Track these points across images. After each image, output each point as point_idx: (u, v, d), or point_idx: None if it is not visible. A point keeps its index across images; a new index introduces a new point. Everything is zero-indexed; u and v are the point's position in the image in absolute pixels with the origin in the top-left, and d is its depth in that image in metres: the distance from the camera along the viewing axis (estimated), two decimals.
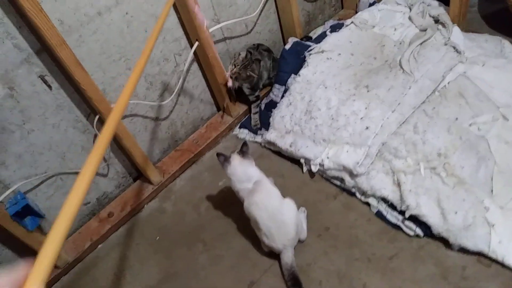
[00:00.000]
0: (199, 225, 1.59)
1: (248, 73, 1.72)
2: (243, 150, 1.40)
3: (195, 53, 1.70)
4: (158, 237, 1.60)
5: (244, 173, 1.36)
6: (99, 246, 1.63)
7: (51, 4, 1.25)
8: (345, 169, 1.48)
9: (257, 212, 1.31)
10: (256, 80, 1.80)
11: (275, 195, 1.36)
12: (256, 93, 1.86)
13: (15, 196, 1.36)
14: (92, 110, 1.49)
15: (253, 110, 1.88)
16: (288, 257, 1.34)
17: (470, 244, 1.24)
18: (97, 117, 1.47)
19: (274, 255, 1.39)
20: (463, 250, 1.27)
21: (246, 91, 1.83)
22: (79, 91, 1.41)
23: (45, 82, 1.36)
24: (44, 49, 1.30)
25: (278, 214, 1.31)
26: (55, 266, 1.53)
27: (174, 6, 1.57)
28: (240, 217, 1.57)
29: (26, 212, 1.36)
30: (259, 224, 1.32)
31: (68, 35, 1.31)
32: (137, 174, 1.79)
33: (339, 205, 1.52)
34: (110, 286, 1.50)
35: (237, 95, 1.91)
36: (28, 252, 1.50)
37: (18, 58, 1.27)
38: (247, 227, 1.53)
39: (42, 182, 1.50)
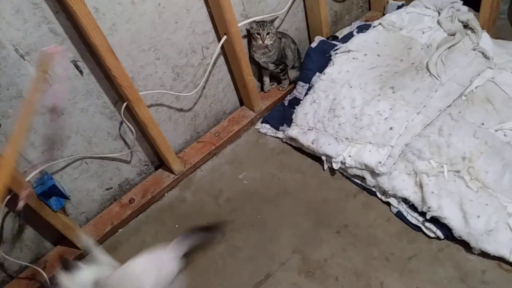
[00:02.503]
0: (217, 216, 1.61)
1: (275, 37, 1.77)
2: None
3: (222, 47, 1.72)
4: (177, 225, 1.62)
5: None
6: (119, 230, 1.66)
7: None
8: (367, 168, 1.48)
9: None
10: (279, 55, 1.83)
11: None
12: (280, 67, 1.90)
13: (42, 177, 1.40)
14: (120, 97, 1.52)
15: (283, 81, 1.99)
16: None
17: (491, 249, 1.23)
18: (124, 104, 1.50)
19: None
20: (484, 255, 1.26)
21: (271, 66, 1.87)
22: (109, 77, 1.45)
23: (77, 67, 1.39)
24: (78, 35, 1.33)
25: None
26: (76, 247, 1.57)
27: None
28: (259, 210, 1.59)
29: (52, 192, 1.39)
30: None
31: (102, 23, 1.34)
32: (159, 163, 1.82)
33: (359, 203, 1.52)
34: None
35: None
36: (50, 232, 1.55)
37: (53, 42, 1.30)
38: (266, 220, 1.55)
39: (68, 165, 1.53)
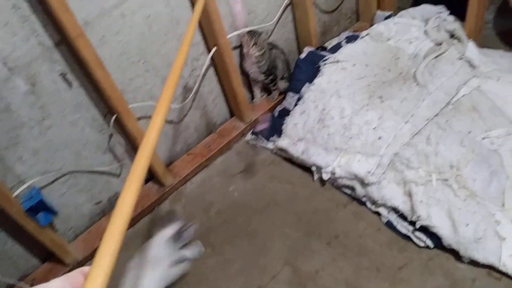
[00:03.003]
0: (208, 228, 1.60)
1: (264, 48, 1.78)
2: None
3: (212, 58, 1.73)
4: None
5: None
6: None
7: (77, 4, 1.29)
8: (357, 177, 1.49)
9: None
10: (269, 66, 1.84)
11: None
12: (270, 77, 1.91)
13: (30, 191, 1.39)
14: (109, 110, 1.52)
15: (273, 92, 2.00)
16: None
17: (480, 257, 1.23)
18: (114, 116, 1.50)
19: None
20: (474, 263, 1.26)
21: (261, 77, 1.87)
22: (99, 90, 1.44)
23: (66, 80, 1.39)
24: (67, 47, 1.33)
25: None
26: (64, 264, 1.55)
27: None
28: (250, 222, 1.58)
29: (39, 207, 1.37)
30: None
31: (91, 35, 1.34)
32: (149, 176, 1.81)
33: (349, 213, 1.52)
34: (117, 286, 1.51)
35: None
36: (38, 248, 1.53)
37: (42, 55, 1.30)
38: (257, 232, 1.54)
39: (56, 179, 1.52)
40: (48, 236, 1.43)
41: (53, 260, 1.57)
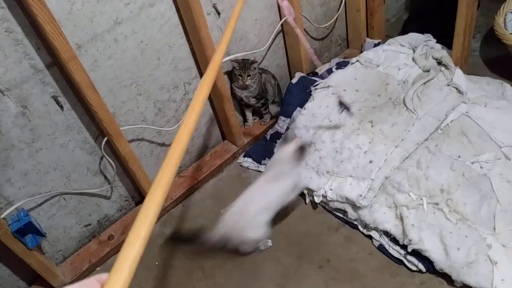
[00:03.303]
0: (199, 252, 1.58)
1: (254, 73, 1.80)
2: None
3: None
4: (157, 262, 1.59)
5: None
6: (97, 269, 1.61)
7: (70, 29, 1.31)
8: (348, 201, 1.49)
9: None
10: (259, 90, 1.86)
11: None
12: (261, 101, 1.93)
13: (18, 213, 1.37)
14: (100, 132, 1.52)
15: (265, 116, 2.02)
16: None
17: (472, 281, 1.23)
18: (105, 139, 1.50)
19: None
20: (466, 287, 1.26)
21: (252, 101, 1.89)
22: (90, 113, 1.45)
23: (58, 102, 1.39)
24: (60, 70, 1.34)
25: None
26: (51, 287, 1.51)
27: (187, 37, 1.63)
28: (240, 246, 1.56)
29: (27, 229, 1.35)
30: None
31: (84, 59, 1.36)
32: (140, 198, 1.80)
33: (341, 237, 1.51)
34: None
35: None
36: (26, 271, 1.49)
37: (33, 78, 1.31)
38: (248, 256, 1.52)
39: (45, 201, 1.50)
40: (35, 259, 1.40)
41: (40, 283, 1.53)
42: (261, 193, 1.34)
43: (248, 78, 1.77)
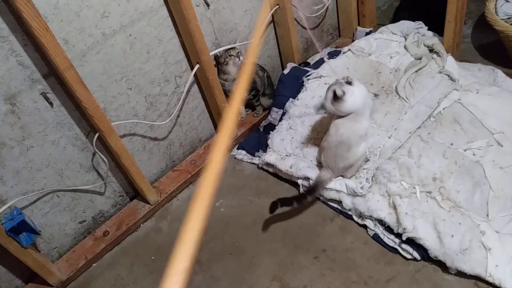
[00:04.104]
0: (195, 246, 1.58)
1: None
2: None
3: (195, 75, 1.73)
4: (153, 257, 1.59)
5: None
6: (94, 265, 1.61)
7: (57, 24, 1.29)
8: (348, 189, 1.49)
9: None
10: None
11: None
12: (252, 92, 1.94)
13: (11, 212, 1.35)
14: (92, 128, 1.51)
15: (257, 108, 2.02)
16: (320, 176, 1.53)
17: (467, 268, 1.24)
18: (96, 135, 1.49)
19: None
20: (460, 274, 1.27)
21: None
22: (80, 109, 1.43)
23: (47, 99, 1.38)
24: (48, 67, 1.32)
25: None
26: (48, 284, 1.51)
27: (177, 30, 1.61)
28: (237, 238, 1.57)
29: (21, 228, 1.35)
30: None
31: (72, 54, 1.34)
32: (134, 193, 1.79)
33: (336, 227, 1.52)
34: None
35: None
36: (21, 269, 1.49)
37: (21, 75, 1.29)
38: (244, 248, 1.53)
39: (38, 199, 1.49)
40: (31, 257, 1.40)
41: (36, 280, 1.53)
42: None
43: (239, 54, 1.79)
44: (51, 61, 1.26)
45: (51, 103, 1.39)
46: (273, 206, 1.48)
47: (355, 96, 1.38)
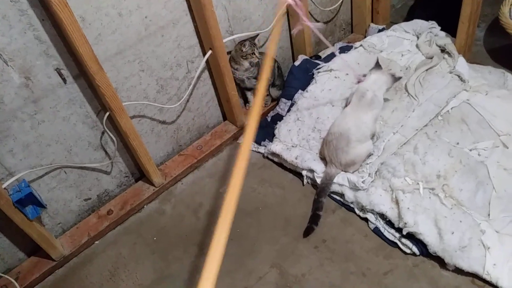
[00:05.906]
0: (197, 229, 1.61)
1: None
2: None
3: (207, 61, 1.74)
4: (155, 238, 1.61)
5: None
6: (96, 242, 1.63)
7: (76, 1, 1.30)
8: (350, 183, 1.51)
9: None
10: (259, 70, 1.86)
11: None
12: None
13: (19, 184, 1.38)
14: (102, 107, 1.53)
15: (266, 97, 2.02)
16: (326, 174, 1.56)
17: (465, 265, 1.25)
18: (107, 114, 1.50)
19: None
20: (458, 271, 1.28)
21: (253, 81, 1.89)
22: (93, 87, 1.45)
23: (61, 75, 1.40)
24: (63, 43, 1.34)
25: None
26: (50, 258, 1.54)
27: (192, 15, 1.62)
28: (239, 224, 1.58)
29: (28, 200, 1.37)
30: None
31: (88, 32, 1.35)
32: (140, 174, 1.81)
33: (337, 219, 1.53)
34: (103, 282, 1.51)
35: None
36: (25, 242, 1.51)
37: (37, 49, 1.31)
38: (245, 235, 1.55)
39: (46, 174, 1.51)
40: (35, 230, 1.42)
41: (39, 254, 1.56)
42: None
43: (256, 50, 1.78)
44: (67, 37, 1.27)
45: (64, 79, 1.40)
46: (309, 230, 1.49)
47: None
